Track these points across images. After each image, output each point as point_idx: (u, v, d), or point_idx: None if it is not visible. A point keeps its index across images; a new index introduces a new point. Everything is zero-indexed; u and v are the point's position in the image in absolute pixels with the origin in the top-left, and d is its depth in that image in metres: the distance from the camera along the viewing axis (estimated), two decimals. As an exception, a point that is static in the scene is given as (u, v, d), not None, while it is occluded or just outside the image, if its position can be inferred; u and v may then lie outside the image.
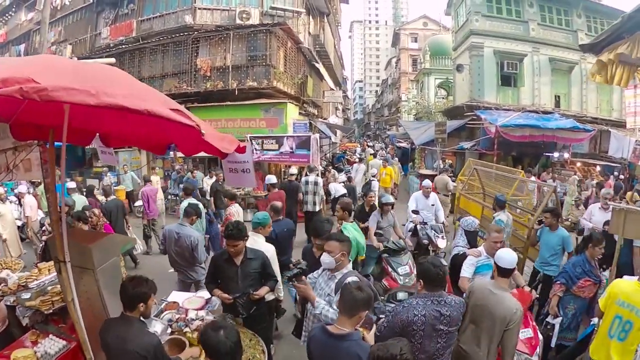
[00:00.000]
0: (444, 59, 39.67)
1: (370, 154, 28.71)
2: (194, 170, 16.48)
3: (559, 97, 24.65)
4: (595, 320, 5.02)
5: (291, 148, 15.16)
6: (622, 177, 19.04)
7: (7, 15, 32.49)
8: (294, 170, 14.41)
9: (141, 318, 3.58)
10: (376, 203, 9.09)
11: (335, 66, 35.66)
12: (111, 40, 21.83)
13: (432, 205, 9.92)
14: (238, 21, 19.04)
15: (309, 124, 22.83)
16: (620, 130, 21.86)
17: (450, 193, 14.16)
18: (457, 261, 6.17)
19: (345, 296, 3.22)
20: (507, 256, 4.22)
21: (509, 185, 11.25)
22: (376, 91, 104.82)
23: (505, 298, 4.01)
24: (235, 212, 9.06)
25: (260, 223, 6.00)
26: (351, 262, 4.84)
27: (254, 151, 15.38)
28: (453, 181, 15.05)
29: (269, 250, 5.60)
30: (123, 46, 21.15)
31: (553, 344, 5.68)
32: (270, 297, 5.46)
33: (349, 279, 4.02)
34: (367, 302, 3.22)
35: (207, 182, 14.88)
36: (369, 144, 48.42)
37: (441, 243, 8.92)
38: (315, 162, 15.47)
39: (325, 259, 4.20)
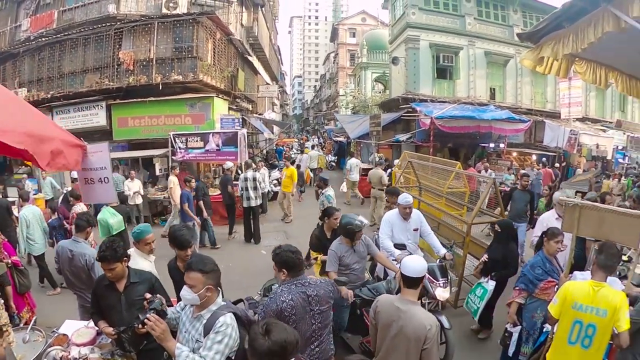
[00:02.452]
0: (381, 53, 39.86)
1: (306, 147, 30.54)
2: (113, 172, 15.06)
3: (494, 89, 25.10)
4: (548, 326, 4.77)
5: (217, 145, 14.41)
6: (557, 165, 19.70)
7: None
8: (228, 164, 13.72)
9: None
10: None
11: (271, 60, 34.85)
12: (31, 33, 20.13)
13: (415, 230, 6.87)
14: (164, 10, 17.89)
15: (242, 119, 22.06)
16: (554, 120, 22.54)
17: (385, 187, 13.67)
18: None
19: (254, 341, 2.56)
20: (414, 264, 3.60)
21: (445, 178, 10.94)
22: (315, 86, 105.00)
23: (415, 314, 3.47)
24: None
25: (140, 235, 5.06)
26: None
27: (178, 150, 14.56)
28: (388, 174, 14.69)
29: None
30: (43, 39, 19.48)
31: (510, 353, 5.29)
32: None
33: (222, 320, 3.17)
34: (284, 353, 2.51)
35: (129, 186, 13.60)
36: (307, 138, 48.61)
37: (442, 293, 5.66)
38: (244, 158, 14.84)
39: (186, 294, 3.23)
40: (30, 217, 8.93)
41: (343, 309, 5.43)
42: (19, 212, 10.10)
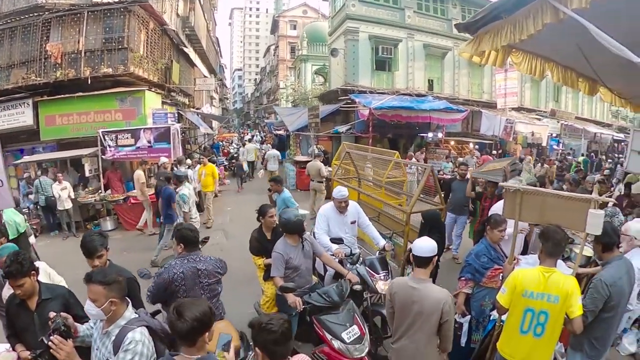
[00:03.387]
0: (322, 45, 39.84)
1: (246, 140, 31.24)
2: (40, 177, 13.83)
3: (432, 80, 25.55)
4: (494, 314, 4.71)
5: (149, 142, 13.90)
6: (495, 152, 20.27)
7: None
8: (163, 159, 13.39)
9: None
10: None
11: (208, 52, 34.02)
12: None
13: (353, 223, 6.63)
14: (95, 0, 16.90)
15: (177, 114, 21.45)
16: (491, 110, 23.17)
17: (324, 179, 13.58)
18: None
19: (172, 327, 2.76)
20: (424, 245, 3.81)
21: (384, 168, 10.89)
22: (255, 79, 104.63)
23: (431, 291, 3.73)
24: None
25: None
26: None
27: (108, 148, 13.89)
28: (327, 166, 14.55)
29: None
30: None
31: (463, 344, 5.15)
32: None
33: (131, 336, 2.92)
34: (202, 328, 2.73)
35: (57, 190, 12.80)
36: (247, 132, 48.58)
37: (383, 286, 5.55)
38: (177, 154, 14.37)
39: (90, 309, 3.00)
40: None
41: (292, 318, 4.91)
42: None
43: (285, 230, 5.26)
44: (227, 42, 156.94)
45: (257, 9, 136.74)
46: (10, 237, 7.14)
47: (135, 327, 2.98)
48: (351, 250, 6.11)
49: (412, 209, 7.03)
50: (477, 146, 21.12)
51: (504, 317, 4.18)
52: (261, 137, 40.67)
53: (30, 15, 16.71)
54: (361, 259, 5.88)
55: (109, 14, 16.48)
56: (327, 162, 17.21)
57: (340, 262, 5.70)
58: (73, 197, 13.25)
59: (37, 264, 4.50)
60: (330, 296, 4.86)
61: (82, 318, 3.55)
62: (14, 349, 3.96)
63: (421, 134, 21.66)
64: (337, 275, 5.61)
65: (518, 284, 3.81)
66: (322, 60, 39.15)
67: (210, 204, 13.74)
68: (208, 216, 13.46)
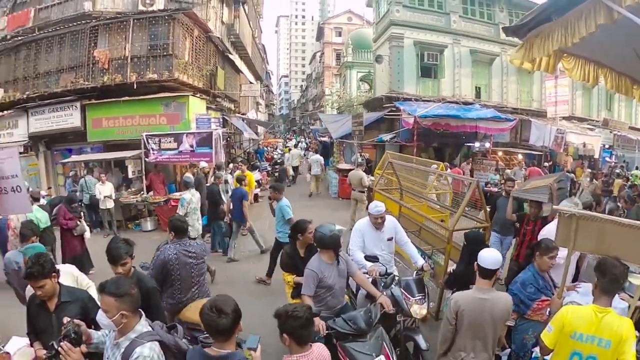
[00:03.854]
0: (366, 52, 39.58)
1: (286, 147, 32.00)
2: (85, 176, 14.56)
3: (479, 88, 24.69)
4: (537, 350, 4.24)
5: (191, 146, 13.96)
6: (546, 164, 19.39)
7: None
8: (203, 164, 13.49)
9: None
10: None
11: (254, 59, 34.29)
12: (8, 32, 19.57)
13: (390, 239, 6.18)
14: (141, 7, 17.33)
15: (222, 119, 21.57)
16: (540, 119, 22.28)
17: (366, 189, 13.31)
18: None
19: (207, 323, 2.87)
20: (490, 257, 3.84)
21: (427, 178, 10.46)
22: (301, 86, 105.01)
23: (498, 298, 3.87)
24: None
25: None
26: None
27: (151, 151, 14.09)
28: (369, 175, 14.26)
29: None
30: (19, 38, 18.89)
31: None
32: None
33: (139, 351, 2.84)
34: (235, 322, 2.89)
35: (100, 189, 13.12)
36: (291, 138, 48.92)
37: (418, 310, 5.09)
38: (219, 159, 14.42)
39: (102, 319, 2.96)
40: None
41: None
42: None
43: (320, 246, 4.91)
44: (273, 49, 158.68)
45: (303, 17, 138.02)
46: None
47: (145, 342, 2.91)
48: (386, 269, 5.62)
49: (455, 226, 6.55)
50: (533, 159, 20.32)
51: (547, 357, 3.77)
52: (306, 144, 40.67)
53: (78, 23, 17.34)
54: (396, 279, 5.39)
55: (154, 22, 16.82)
56: (370, 171, 16.89)
57: (374, 282, 5.38)
58: (115, 197, 13.56)
59: (65, 267, 4.74)
60: (357, 323, 4.43)
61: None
62: (32, 346, 4.01)
63: (468, 144, 21.04)
64: (370, 295, 5.19)
65: (567, 324, 3.38)
66: (367, 67, 38.81)
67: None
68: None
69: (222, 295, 3.05)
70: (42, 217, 8.90)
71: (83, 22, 17.32)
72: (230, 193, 11.77)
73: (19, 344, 4.53)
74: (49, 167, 18.40)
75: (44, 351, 3.45)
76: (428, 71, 23.48)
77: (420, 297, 5.21)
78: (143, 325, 3.07)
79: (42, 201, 11.14)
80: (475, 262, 3.92)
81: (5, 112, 18.26)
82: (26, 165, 17.34)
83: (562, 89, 21.56)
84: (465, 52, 23.89)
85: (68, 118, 17.10)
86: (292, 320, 3.04)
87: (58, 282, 3.83)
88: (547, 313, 4.36)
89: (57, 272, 3.83)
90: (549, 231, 5.59)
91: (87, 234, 9.83)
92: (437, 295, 6.61)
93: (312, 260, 4.95)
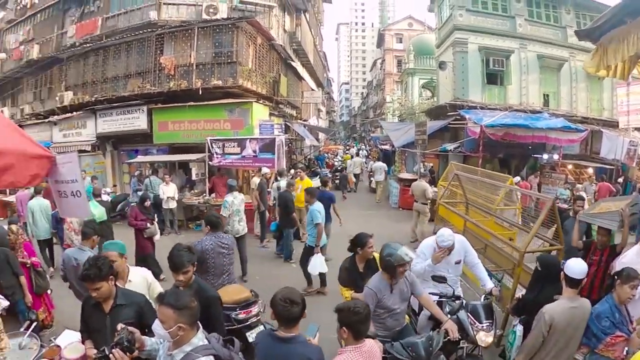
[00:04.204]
0: (429, 58, 38.77)
1: (347, 154, 32.46)
2: (150, 176, 15.34)
3: (547, 95, 23.53)
4: None
5: (254, 151, 14.08)
6: (620, 180, 18.15)
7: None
8: (265, 170, 13.72)
9: None
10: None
11: (316, 66, 34.49)
12: (77, 39, 20.80)
13: (458, 262, 5.74)
14: (205, 16, 17.74)
15: (285, 125, 21.73)
16: (612, 130, 20.95)
17: (429, 201, 12.77)
18: None
19: (280, 312, 3.27)
20: (578, 267, 4.03)
21: (495, 193, 9.87)
22: (362, 93, 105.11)
23: (585, 304, 4.09)
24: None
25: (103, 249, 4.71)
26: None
27: (215, 155, 14.50)
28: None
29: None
30: (88, 45, 20.11)
31: None
32: None
33: None
34: (302, 311, 3.31)
35: (164, 190, 13.65)
36: (352, 145, 48.96)
37: (484, 338, 4.78)
38: (281, 165, 14.49)
39: (158, 329, 2.93)
40: (36, 207, 10.29)
41: None
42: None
43: (384, 269, 4.57)
44: (334, 56, 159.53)
45: (363, 24, 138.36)
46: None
47: (200, 356, 2.89)
48: (453, 291, 5.25)
49: (527, 247, 6.11)
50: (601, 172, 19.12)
51: None
52: (367, 152, 40.44)
53: (144, 31, 18.20)
54: (464, 303, 5.05)
55: (218, 30, 17.39)
56: (433, 181, 16.45)
57: (439, 303, 5.05)
58: (177, 198, 14.04)
59: (141, 271, 4.90)
60: (416, 351, 4.20)
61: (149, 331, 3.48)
62: (83, 344, 4.05)
63: (535, 155, 20.00)
64: (434, 317, 4.88)
65: None
66: (429, 74, 38.01)
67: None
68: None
69: (286, 287, 3.44)
70: (97, 213, 9.57)
71: (149, 30, 18.15)
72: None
73: (70, 338, 4.55)
74: (115, 166, 19.63)
75: (95, 351, 3.48)
76: (494, 78, 22.65)
77: (488, 324, 4.88)
78: (199, 338, 3.03)
79: (104, 197, 12.04)
80: (562, 272, 4.04)
81: (75, 113, 19.74)
82: (93, 163, 19.20)
83: (635, 96, 20.16)
84: (532, 57, 22.78)
85: (135, 120, 18.09)
86: (352, 315, 3.26)
87: (115, 285, 3.85)
88: (625, 353, 3.97)
89: (116, 275, 3.86)
90: (630, 260, 5.15)
91: (157, 237, 10.14)
92: (502, 321, 6.18)
93: (372, 278, 4.70)
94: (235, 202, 10.03)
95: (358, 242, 5.50)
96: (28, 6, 24.90)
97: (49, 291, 7.11)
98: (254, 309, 5.69)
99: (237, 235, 9.59)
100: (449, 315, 4.78)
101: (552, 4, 23.37)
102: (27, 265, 6.69)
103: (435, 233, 6.01)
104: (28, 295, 6.36)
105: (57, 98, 20.87)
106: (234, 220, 9.93)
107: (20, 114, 24.05)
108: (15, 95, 25.96)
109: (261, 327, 5.49)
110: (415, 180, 14.33)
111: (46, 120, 21.45)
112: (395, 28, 61.47)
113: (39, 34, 23.77)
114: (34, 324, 4.97)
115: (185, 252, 4.28)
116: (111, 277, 3.72)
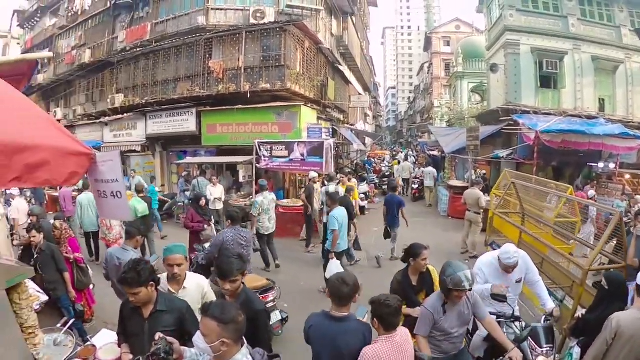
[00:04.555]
0: (478, 62, 38.08)
1: (395, 159, 32.37)
2: (198, 177, 15.57)
3: (603, 100, 22.37)
4: None
5: (302, 155, 14.04)
6: None
7: (32, 21, 33.42)
8: (313, 174, 13.58)
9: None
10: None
11: (363, 70, 34.31)
12: (127, 44, 21.57)
13: (519, 281, 5.31)
14: (252, 20, 17.96)
15: (332, 129, 21.62)
16: None
17: (482, 210, 12.07)
18: None
19: (333, 291, 3.61)
20: None
21: (552, 202, 9.42)
22: (409, 97, 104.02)
23: None
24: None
25: (165, 253, 4.54)
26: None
27: (263, 158, 14.59)
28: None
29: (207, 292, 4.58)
30: (138, 49, 20.84)
31: None
32: None
33: None
34: (354, 292, 3.59)
35: (211, 191, 13.73)
36: (399, 150, 48.63)
37: None
38: (329, 169, 14.37)
39: (199, 342, 2.72)
40: (85, 201, 10.86)
41: None
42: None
43: (442, 290, 4.23)
44: (380, 60, 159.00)
45: (409, 27, 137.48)
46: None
47: None
48: (513, 312, 4.94)
49: (592, 264, 5.70)
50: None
51: None
52: (414, 157, 39.94)
53: (193, 35, 18.62)
54: (529, 328, 4.56)
55: (265, 34, 17.65)
56: (486, 189, 15.60)
57: (499, 323, 4.65)
58: (224, 199, 14.20)
59: (198, 278, 4.69)
60: None
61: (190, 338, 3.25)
62: (119, 347, 3.96)
63: (590, 164, 18.63)
64: (489, 337, 4.57)
65: None
66: (479, 77, 37.21)
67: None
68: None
69: (346, 271, 4.15)
70: (140, 208, 10.38)
71: (198, 35, 18.54)
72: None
73: (107, 338, 4.54)
74: (164, 166, 20.32)
75: (130, 356, 3.55)
76: (547, 81, 21.67)
77: (548, 348, 4.54)
78: (243, 354, 2.82)
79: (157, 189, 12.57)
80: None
81: (125, 115, 20.61)
82: (143, 163, 20.09)
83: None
84: (587, 58, 21.67)
85: (184, 122, 18.67)
86: (383, 307, 3.45)
87: (156, 289, 3.69)
88: None
89: (156, 281, 3.67)
90: None
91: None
92: (558, 346, 5.51)
93: (430, 297, 4.45)
94: (265, 202, 10.74)
95: (411, 253, 5.10)
96: (79, 13, 26.06)
97: (91, 286, 7.27)
98: (271, 295, 6.72)
99: (267, 233, 10.84)
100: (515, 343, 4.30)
101: (604, 2, 22.28)
102: (71, 261, 6.82)
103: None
104: (72, 291, 6.50)
105: (108, 100, 21.71)
106: (264, 219, 10.75)
107: (73, 115, 25.12)
108: (68, 97, 27.17)
109: (277, 312, 6.72)
110: (467, 188, 13.94)
111: (98, 121, 22.45)
112: (442, 31, 60.26)
113: (90, 39, 24.73)
114: (72, 320, 5.00)
115: (236, 259, 4.02)
116: (152, 283, 3.57)
